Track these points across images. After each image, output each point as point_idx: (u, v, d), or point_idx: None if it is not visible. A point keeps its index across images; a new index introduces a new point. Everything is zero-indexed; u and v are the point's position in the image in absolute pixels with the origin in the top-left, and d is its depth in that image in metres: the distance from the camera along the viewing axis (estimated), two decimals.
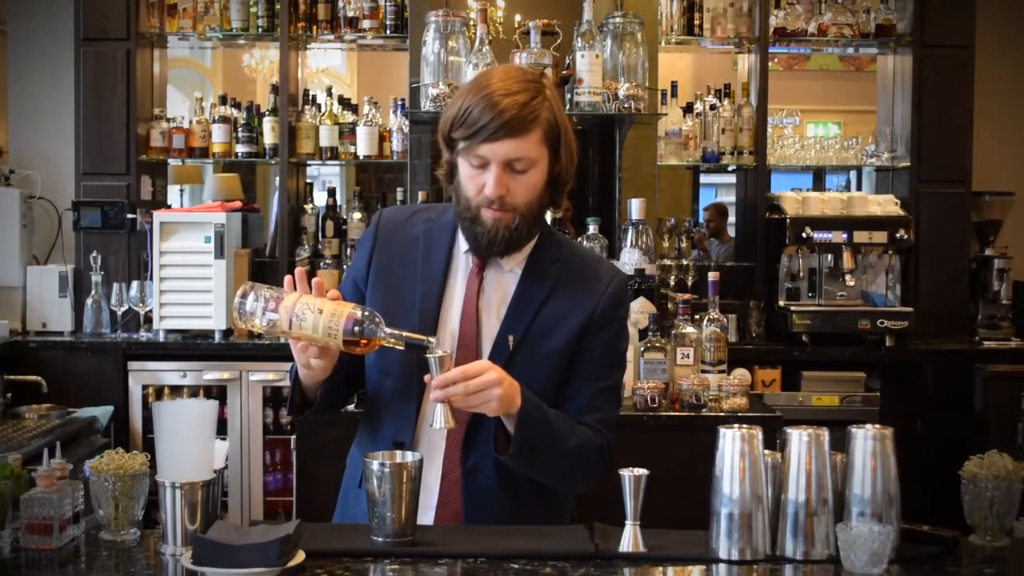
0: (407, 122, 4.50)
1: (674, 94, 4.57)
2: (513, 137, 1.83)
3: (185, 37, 4.74)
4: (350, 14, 4.58)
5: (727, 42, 4.69)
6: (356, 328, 1.73)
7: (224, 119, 4.69)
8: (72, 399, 3.98)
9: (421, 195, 4.27)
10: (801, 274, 4.42)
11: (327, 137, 4.66)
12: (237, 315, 1.80)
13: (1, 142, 4.98)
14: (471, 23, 3.84)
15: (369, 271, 2.01)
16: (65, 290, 4.42)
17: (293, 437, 3.93)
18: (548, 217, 2.33)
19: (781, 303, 4.41)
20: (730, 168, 4.87)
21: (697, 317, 3.32)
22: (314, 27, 4.63)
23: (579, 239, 3.50)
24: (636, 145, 4.35)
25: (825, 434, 1.70)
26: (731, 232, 5.88)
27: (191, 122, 4.72)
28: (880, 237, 4.31)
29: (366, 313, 1.75)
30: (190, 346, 4.24)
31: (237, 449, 4.17)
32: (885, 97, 4.84)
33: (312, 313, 1.74)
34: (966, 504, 1.82)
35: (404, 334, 1.75)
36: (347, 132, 4.69)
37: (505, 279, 1.97)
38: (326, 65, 6.85)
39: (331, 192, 4.88)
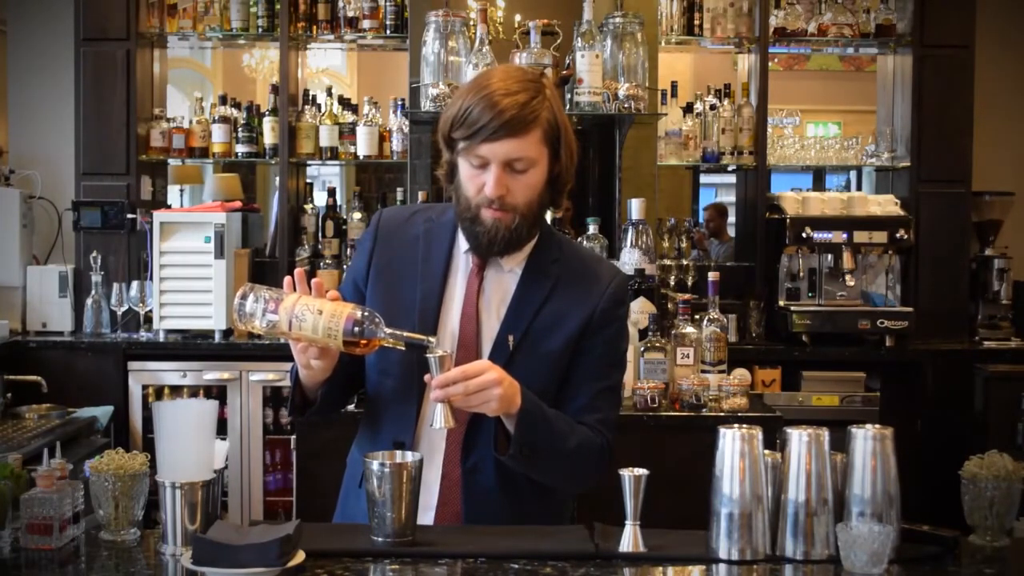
0: (407, 122, 4.50)
1: (674, 94, 4.57)
2: (513, 137, 1.83)
3: (185, 37, 4.74)
4: (350, 14, 4.58)
5: (727, 42, 4.69)
6: (356, 328, 1.73)
7: (224, 119, 4.69)
8: (72, 399, 3.98)
9: (421, 195, 4.26)
10: (801, 274, 4.42)
11: (327, 137, 4.66)
12: (237, 317, 1.80)
13: (1, 142, 4.98)
14: (471, 23, 3.84)
15: (369, 271, 2.01)
16: (65, 290, 4.42)
17: (293, 437, 3.93)
18: (548, 217, 2.33)
19: (781, 303, 4.41)
20: (730, 168, 4.87)
21: (697, 317, 3.32)
22: (314, 27, 4.63)
23: (579, 239, 3.50)
24: (636, 145, 4.34)
25: (825, 434, 1.70)
26: (731, 232, 5.88)
27: (191, 122, 4.72)
28: (880, 237, 4.31)
29: (366, 313, 1.75)
30: (190, 346, 4.24)
31: (237, 449, 4.17)
32: (885, 97, 4.84)
33: (312, 314, 1.74)
34: (966, 504, 1.82)
35: (404, 334, 1.75)
36: (347, 132, 4.69)
37: (505, 279, 1.97)
38: (326, 65, 6.85)
39: (331, 192, 4.88)
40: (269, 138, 4.62)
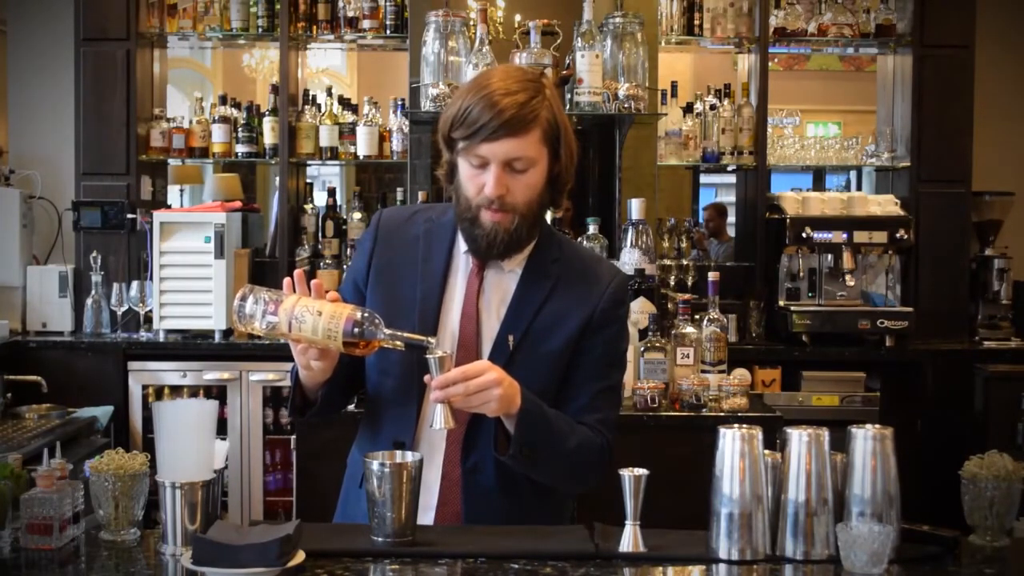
0: (407, 122, 4.50)
1: (674, 94, 4.57)
2: (512, 136, 1.83)
3: (185, 37, 4.74)
4: (350, 14, 4.58)
5: (727, 42, 4.69)
6: (355, 330, 1.73)
7: (224, 119, 4.69)
8: (72, 399, 3.98)
9: (421, 195, 4.26)
10: (801, 274, 4.42)
11: (327, 137, 4.66)
12: (236, 318, 1.80)
13: (1, 142, 4.98)
14: (471, 23, 3.84)
15: (369, 271, 2.01)
16: (65, 290, 4.42)
17: (293, 437, 3.93)
18: (548, 217, 2.33)
19: (781, 303, 4.41)
20: (730, 168, 4.87)
21: (697, 317, 3.32)
22: (314, 27, 4.63)
23: (579, 239, 3.50)
24: (636, 145, 4.34)
25: (825, 434, 1.70)
26: (731, 232, 5.88)
27: (191, 122, 4.72)
28: (880, 237, 4.31)
29: (365, 315, 1.75)
30: (190, 346, 4.24)
31: (237, 449, 4.17)
32: (885, 97, 4.84)
33: (311, 315, 1.74)
34: (966, 504, 1.82)
35: (404, 335, 1.75)
36: (347, 132, 4.69)
37: (505, 279, 1.97)
38: (326, 65, 6.85)
39: (331, 192, 4.88)
40: (269, 138, 4.62)
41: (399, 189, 4.62)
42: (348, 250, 4.63)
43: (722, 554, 1.69)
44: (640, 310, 3.26)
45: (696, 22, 4.57)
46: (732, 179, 5.49)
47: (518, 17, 4.15)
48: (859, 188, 5.50)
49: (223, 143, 4.66)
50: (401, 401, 1.94)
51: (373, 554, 1.70)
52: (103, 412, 3.95)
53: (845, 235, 4.29)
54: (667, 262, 4.42)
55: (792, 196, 4.52)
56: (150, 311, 4.30)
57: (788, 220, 4.34)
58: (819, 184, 6.62)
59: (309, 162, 4.86)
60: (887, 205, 4.42)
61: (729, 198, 6.08)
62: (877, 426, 1.71)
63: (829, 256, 4.37)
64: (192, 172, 6.09)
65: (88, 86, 4.50)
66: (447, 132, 1.89)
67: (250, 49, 6.29)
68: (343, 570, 1.64)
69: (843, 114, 7.64)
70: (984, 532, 1.80)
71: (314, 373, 1.86)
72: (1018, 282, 4.57)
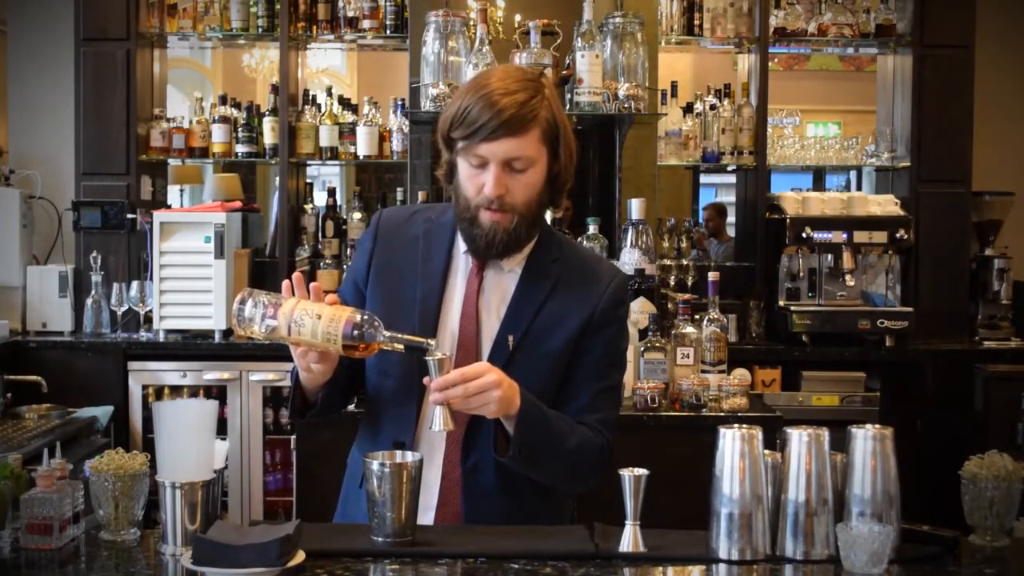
0: (407, 122, 4.50)
1: (674, 94, 4.57)
2: (512, 136, 1.83)
3: (185, 37, 4.74)
4: (350, 14, 4.58)
5: (727, 42, 4.69)
6: (355, 332, 1.73)
7: (224, 119, 4.69)
8: (72, 399, 3.98)
9: (421, 195, 4.26)
10: (801, 274, 4.42)
11: (327, 137, 4.66)
12: (236, 322, 1.80)
13: (1, 142, 4.98)
14: (471, 23, 3.84)
15: (369, 271, 2.01)
16: (65, 290, 4.42)
17: (293, 437, 3.93)
18: (548, 217, 2.33)
19: (781, 303, 4.41)
20: (730, 168, 4.87)
21: (697, 317, 3.32)
22: (314, 27, 4.63)
23: (579, 239, 3.50)
24: (636, 145, 4.34)
25: (825, 434, 1.70)
26: (730, 232, 5.88)
27: (191, 122, 4.72)
28: (880, 237, 4.31)
29: (364, 317, 1.75)
30: (190, 346, 4.24)
31: (237, 449, 4.17)
32: (885, 97, 4.84)
33: (311, 318, 1.74)
34: (966, 504, 1.82)
35: (403, 337, 1.75)
36: (347, 132, 4.69)
37: (505, 279, 1.97)
38: (326, 65, 6.85)
39: (331, 192, 4.88)
40: (269, 138, 4.62)
41: (399, 189, 4.62)
42: (348, 250, 4.63)
43: (722, 554, 1.69)
44: (640, 310, 3.26)
45: (696, 22, 4.57)
46: (732, 179, 5.49)
47: (518, 17, 4.15)
48: (859, 188, 5.50)
49: (223, 143, 4.66)
50: (401, 401, 1.94)
51: (373, 554, 1.70)
52: (103, 412, 3.95)
53: (845, 235, 4.29)
54: (667, 262, 4.42)
55: (792, 196, 4.52)
56: (150, 311, 4.30)
57: (788, 220, 4.34)
58: (819, 184, 6.62)
59: (309, 162, 4.86)
60: (887, 205, 4.42)
61: (729, 198, 6.08)
62: (877, 426, 1.71)
63: (829, 256, 4.37)
64: (192, 172, 6.09)
65: (88, 86, 4.50)
66: (446, 132, 1.89)
67: (250, 49, 6.29)
68: (343, 570, 1.64)
69: (843, 114, 7.64)
70: (984, 532, 1.80)
71: (314, 375, 1.86)
72: (1018, 282, 4.57)
